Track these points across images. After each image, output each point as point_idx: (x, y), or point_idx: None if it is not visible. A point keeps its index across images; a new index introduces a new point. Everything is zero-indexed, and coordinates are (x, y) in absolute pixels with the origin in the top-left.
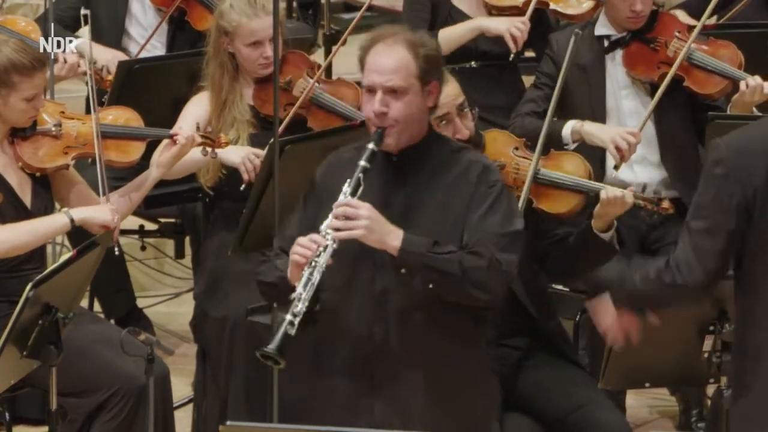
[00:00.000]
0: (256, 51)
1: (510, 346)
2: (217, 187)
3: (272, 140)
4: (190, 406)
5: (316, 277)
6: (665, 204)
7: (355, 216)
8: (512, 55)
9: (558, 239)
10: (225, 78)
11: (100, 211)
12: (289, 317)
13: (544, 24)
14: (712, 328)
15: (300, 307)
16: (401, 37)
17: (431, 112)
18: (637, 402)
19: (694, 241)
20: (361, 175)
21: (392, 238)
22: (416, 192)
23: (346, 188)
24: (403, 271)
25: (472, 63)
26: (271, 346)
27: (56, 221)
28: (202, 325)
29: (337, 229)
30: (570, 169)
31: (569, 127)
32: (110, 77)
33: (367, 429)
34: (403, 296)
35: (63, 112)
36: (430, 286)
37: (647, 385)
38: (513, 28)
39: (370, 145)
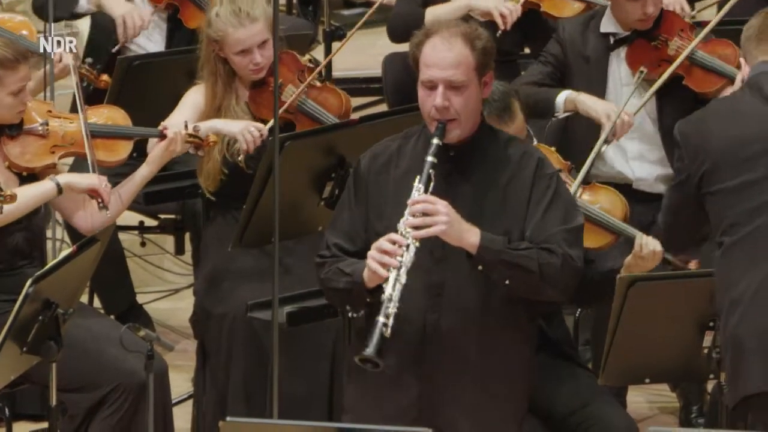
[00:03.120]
0: (245, 59)
1: None
2: (218, 192)
3: (272, 138)
4: (190, 402)
5: (403, 276)
6: (693, 264)
7: (434, 212)
8: (499, 32)
9: None
10: (218, 84)
11: (86, 176)
12: (382, 319)
13: (542, 23)
14: (711, 324)
15: (392, 308)
16: (457, 30)
17: (484, 103)
18: (638, 398)
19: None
20: (431, 171)
21: (470, 235)
22: (476, 187)
23: (418, 185)
24: (480, 267)
25: None
26: (369, 350)
27: (42, 186)
28: (201, 321)
29: (416, 227)
30: (607, 206)
31: (563, 96)
32: (104, 77)
33: (374, 426)
34: (457, 290)
35: (50, 111)
36: (507, 282)
37: (647, 381)
38: (502, 7)
39: (435, 140)
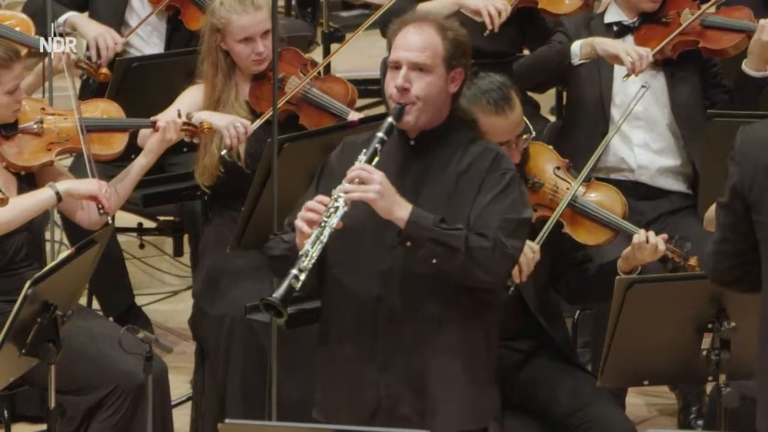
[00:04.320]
0: (247, 47)
1: (510, 348)
2: (214, 187)
3: (270, 139)
4: (189, 404)
5: (325, 237)
6: (692, 261)
7: (368, 180)
8: (486, 32)
9: (576, 262)
10: (218, 76)
11: (85, 182)
12: (294, 271)
13: (540, 25)
14: (710, 326)
15: (306, 263)
16: (431, 20)
17: (454, 101)
18: (637, 399)
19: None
20: (378, 145)
21: (401, 209)
22: (428, 174)
23: (362, 157)
24: (408, 244)
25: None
26: (275, 295)
27: (41, 195)
28: (200, 322)
29: (348, 192)
30: (607, 203)
31: (579, 42)
32: (103, 69)
33: (366, 428)
34: (408, 277)
35: (43, 109)
36: (434, 261)
37: (646, 383)
38: (491, 6)
39: (389, 119)
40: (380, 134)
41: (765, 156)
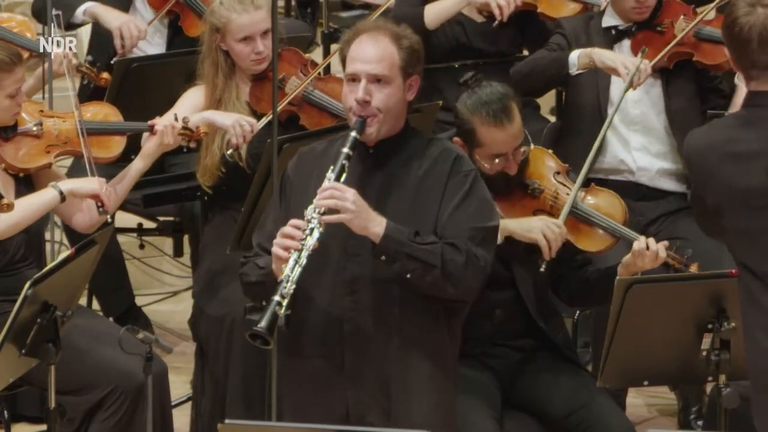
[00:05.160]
0: (247, 47)
1: (511, 346)
2: (215, 187)
3: (270, 140)
4: (189, 404)
5: (303, 259)
6: (693, 268)
7: (341, 199)
8: (495, 23)
9: (576, 266)
10: (219, 76)
11: (87, 181)
12: (277, 298)
13: (539, 26)
14: (710, 326)
15: (288, 288)
16: (385, 29)
17: (410, 107)
18: (637, 400)
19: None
20: (345, 162)
21: (376, 224)
22: (390, 182)
23: (330, 174)
24: (383, 258)
25: (467, 62)
26: (261, 325)
27: (45, 195)
28: (200, 323)
29: (323, 213)
30: (607, 208)
31: (577, 52)
32: (104, 74)
33: (360, 428)
34: (373, 285)
35: (42, 111)
36: (408, 276)
37: (646, 383)
38: None
39: (353, 133)
40: (345, 150)
41: (710, 163)
